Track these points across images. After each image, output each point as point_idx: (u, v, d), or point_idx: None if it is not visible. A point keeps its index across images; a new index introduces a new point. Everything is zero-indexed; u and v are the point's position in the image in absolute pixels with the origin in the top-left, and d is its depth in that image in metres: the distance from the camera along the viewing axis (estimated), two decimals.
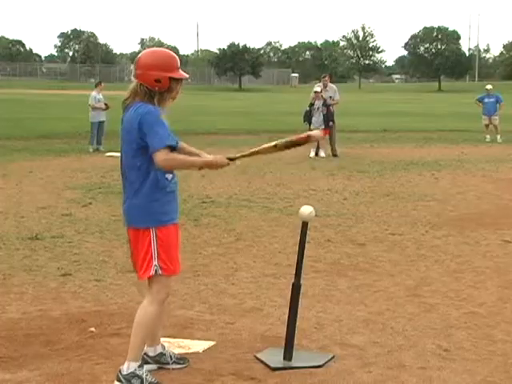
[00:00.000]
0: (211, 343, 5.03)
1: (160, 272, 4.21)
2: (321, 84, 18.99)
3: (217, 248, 8.09)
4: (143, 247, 4.22)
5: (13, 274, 6.89)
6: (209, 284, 6.59)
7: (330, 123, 18.10)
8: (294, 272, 4.84)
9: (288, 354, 4.72)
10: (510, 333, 5.31)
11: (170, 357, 4.64)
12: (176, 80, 4.26)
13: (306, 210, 5.01)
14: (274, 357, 4.73)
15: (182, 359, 4.68)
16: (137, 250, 4.28)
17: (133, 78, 4.31)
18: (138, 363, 4.29)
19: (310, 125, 18.17)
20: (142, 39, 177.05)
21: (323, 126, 17.84)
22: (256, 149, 4.43)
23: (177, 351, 4.83)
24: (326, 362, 4.70)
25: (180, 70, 4.30)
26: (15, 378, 4.43)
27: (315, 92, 18.41)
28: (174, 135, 4.21)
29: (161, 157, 4.08)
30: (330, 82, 19.57)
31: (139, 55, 4.34)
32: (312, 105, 18.28)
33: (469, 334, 5.27)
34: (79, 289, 6.44)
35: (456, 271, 7.13)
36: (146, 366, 4.44)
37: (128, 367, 4.26)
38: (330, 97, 18.61)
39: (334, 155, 18.19)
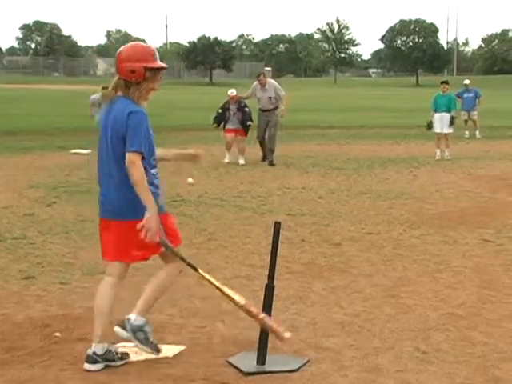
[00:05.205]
0: (182, 348, 5.02)
1: (170, 244, 4.67)
2: (257, 84, 16.36)
3: (187, 248, 8.04)
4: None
5: None
6: (180, 286, 6.57)
7: (248, 122, 16.36)
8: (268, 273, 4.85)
9: (261, 358, 4.73)
10: (489, 334, 5.37)
11: (116, 353, 4.75)
12: (152, 70, 4.60)
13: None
14: (247, 361, 4.74)
15: (125, 354, 4.80)
16: (133, 238, 4.53)
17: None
18: (145, 319, 4.76)
19: (218, 126, 16.76)
20: (109, 31, 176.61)
21: (241, 127, 16.34)
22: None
23: (145, 356, 4.83)
24: (300, 366, 4.71)
25: (157, 61, 4.63)
26: None
27: (231, 96, 16.53)
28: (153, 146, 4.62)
29: (133, 159, 4.44)
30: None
31: (119, 50, 4.67)
32: (226, 109, 16.57)
33: (447, 336, 5.32)
34: (43, 292, 6.39)
35: (434, 271, 7.19)
36: (94, 366, 4.64)
37: (136, 319, 4.73)
38: (270, 97, 16.16)
39: (270, 163, 15.98)
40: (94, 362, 4.65)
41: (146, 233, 4.48)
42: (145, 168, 4.51)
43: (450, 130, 17.67)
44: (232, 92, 16.59)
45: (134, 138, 4.48)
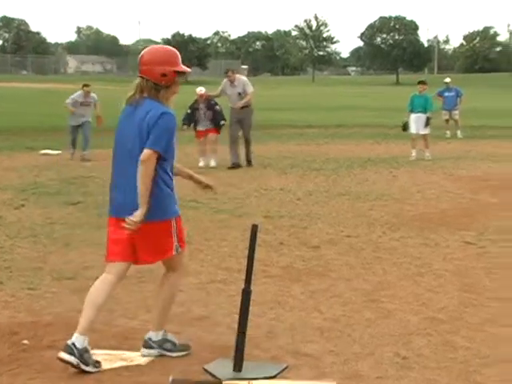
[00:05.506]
0: (155, 354, 5.00)
1: (180, 250, 4.90)
2: (226, 81, 15.91)
3: None
4: (163, 236, 4.79)
5: None
6: (154, 291, 6.54)
7: (222, 122, 16.05)
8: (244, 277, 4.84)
9: (238, 365, 4.72)
10: (471, 339, 5.40)
11: (94, 361, 4.73)
12: (179, 74, 4.85)
13: None
14: (223, 368, 4.73)
15: (97, 362, 4.77)
16: (150, 239, 4.76)
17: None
18: (163, 330, 5.02)
19: (189, 126, 16.17)
20: (79, 28, 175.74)
21: (212, 126, 16.02)
22: None
23: (118, 364, 4.80)
24: (278, 373, 4.71)
25: (181, 64, 4.87)
26: None
27: (199, 94, 16.12)
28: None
29: (151, 156, 4.62)
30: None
31: (142, 52, 4.86)
32: (196, 108, 16.14)
33: (428, 341, 5.34)
34: (11, 298, 6.33)
35: (415, 274, 7.22)
36: (69, 357, 4.60)
37: (157, 335, 4.99)
38: (239, 93, 15.75)
39: (249, 162, 16.02)
40: (71, 353, 4.61)
41: (129, 228, 4.61)
42: (165, 170, 4.75)
43: (427, 131, 17.67)
44: (200, 90, 16.22)
45: (159, 138, 4.66)
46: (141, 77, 4.80)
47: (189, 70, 5.00)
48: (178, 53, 4.90)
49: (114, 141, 4.92)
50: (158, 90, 4.76)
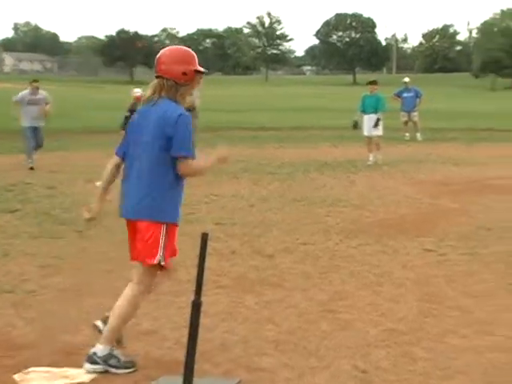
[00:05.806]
0: (100, 370, 4.96)
1: (162, 262, 5.00)
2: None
3: (105, 264, 7.98)
4: (148, 237, 4.94)
5: None
6: (97, 304, 6.49)
7: None
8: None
9: (187, 381, 4.70)
10: (431, 350, 5.47)
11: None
12: (197, 73, 5.11)
13: None
14: None
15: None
16: (138, 238, 4.97)
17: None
18: (112, 345, 5.01)
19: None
20: (16, 24, 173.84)
21: None
22: None
23: (59, 382, 4.76)
24: None
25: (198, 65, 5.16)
26: None
27: (135, 97, 16.00)
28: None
29: (188, 166, 4.96)
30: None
31: (161, 52, 5.09)
32: (133, 111, 16.01)
33: (388, 353, 5.40)
34: None
35: (374, 284, 7.29)
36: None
37: (104, 349, 4.97)
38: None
39: None
40: (104, 322, 5.07)
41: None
42: (177, 176, 4.99)
43: (378, 133, 17.71)
44: (137, 92, 15.84)
45: (184, 142, 4.92)
46: (159, 76, 5.00)
47: (205, 70, 5.22)
48: (194, 53, 5.15)
49: (130, 142, 5.11)
50: (176, 89, 5.00)
